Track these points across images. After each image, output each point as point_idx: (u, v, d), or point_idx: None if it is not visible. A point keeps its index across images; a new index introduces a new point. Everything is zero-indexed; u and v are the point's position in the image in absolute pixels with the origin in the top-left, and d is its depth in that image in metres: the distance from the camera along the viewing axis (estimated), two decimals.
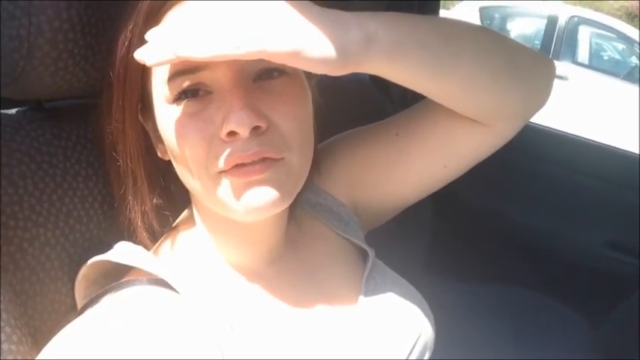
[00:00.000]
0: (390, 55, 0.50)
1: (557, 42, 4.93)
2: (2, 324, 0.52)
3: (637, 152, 1.54)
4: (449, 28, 0.56)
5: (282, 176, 0.53)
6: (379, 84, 1.49)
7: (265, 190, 0.51)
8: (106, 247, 0.60)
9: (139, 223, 0.60)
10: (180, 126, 0.51)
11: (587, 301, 1.38)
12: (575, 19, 5.03)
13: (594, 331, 1.36)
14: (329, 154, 0.72)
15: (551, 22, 5.02)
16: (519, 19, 5.27)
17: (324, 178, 0.71)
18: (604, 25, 5.19)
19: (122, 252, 0.59)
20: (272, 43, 0.43)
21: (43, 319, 0.59)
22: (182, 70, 0.50)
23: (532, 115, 0.68)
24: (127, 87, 0.54)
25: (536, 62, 0.64)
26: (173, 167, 0.58)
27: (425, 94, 0.60)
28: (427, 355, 0.66)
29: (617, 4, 9.90)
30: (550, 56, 4.81)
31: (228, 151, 0.50)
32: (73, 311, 0.62)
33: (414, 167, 0.70)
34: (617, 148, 1.54)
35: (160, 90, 0.52)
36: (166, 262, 0.60)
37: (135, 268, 0.57)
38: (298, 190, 0.56)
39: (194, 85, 0.51)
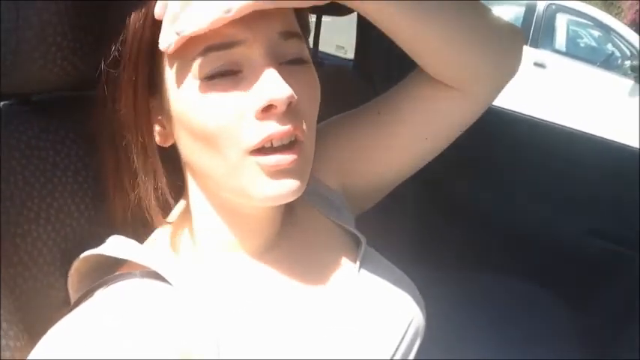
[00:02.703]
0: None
1: (535, 29, 4.97)
2: None
3: (618, 141, 1.57)
4: None
5: (304, 165, 0.55)
6: (362, 71, 1.50)
7: (290, 180, 0.54)
8: (98, 241, 0.60)
9: (152, 200, 0.59)
10: (210, 102, 0.52)
11: (570, 287, 1.41)
12: (553, 6, 5.07)
13: (576, 317, 1.38)
14: (317, 141, 0.73)
15: (530, 9, 5.05)
16: (497, 6, 5.29)
17: (315, 165, 0.72)
18: (581, 12, 5.24)
19: (115, 245, 0.59)
20: None
21: (37, 314, 0.59)
22: (217, 45, 0.51)
23: (505, 81, 0.70)
24: (140, 66, 0.54)
25: (507, 27, 0.68)
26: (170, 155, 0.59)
27: (406, 45, 0.62)
28: (418, 341, 0.67)
29: None
30: (528, 44, 4.86)
31: (261, 127, 0.51)
32: (66, 305, 0.61)
33: (399, 143, 0.73)
34: (600, 137, 1.56)
35: (186, 66, 0.52)
36: (160, 254, 0.60)
37: (128, 261, 0.57)
38: (309, 174, 0.58)
39: (225, 66, 0.51)
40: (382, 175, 0.76)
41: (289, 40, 0.54)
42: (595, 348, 1.26)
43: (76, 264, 0.60)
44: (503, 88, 0.71)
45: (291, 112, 0.52)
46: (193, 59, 0.51)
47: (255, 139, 0.51)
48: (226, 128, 0.52)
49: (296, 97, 0.51)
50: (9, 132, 0.60)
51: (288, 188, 0.54)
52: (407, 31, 0.60)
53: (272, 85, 0.50)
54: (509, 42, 0.68)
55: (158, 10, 0.51)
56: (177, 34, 0.48)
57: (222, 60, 0.51)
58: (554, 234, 1.49)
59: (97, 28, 0.59)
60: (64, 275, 0.61)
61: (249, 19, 0.49)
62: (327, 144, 0.73)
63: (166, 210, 0.64)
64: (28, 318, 0.57)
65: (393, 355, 0.62)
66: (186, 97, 0.53)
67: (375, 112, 0.73)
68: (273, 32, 0.52)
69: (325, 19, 1.42)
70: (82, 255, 0.59)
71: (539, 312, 1.37)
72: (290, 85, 0.51)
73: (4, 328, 0.52)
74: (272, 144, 0.52)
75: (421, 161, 0.76)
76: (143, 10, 0.52)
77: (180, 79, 0.53)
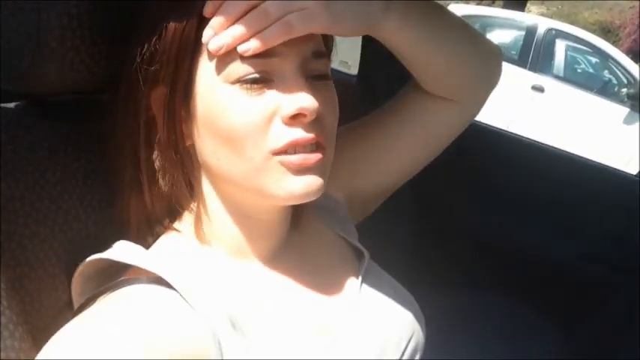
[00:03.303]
0: (400, 23, 0.61)
1: (534, 53, 5.02)
2: (5, 321, 0.51)
3: (615, 167, 1.58)
4: (440, 7, 0.70)
5: (326, 167, 0.58)
6: (366, 87, 1.51)
7: (314, 177, 0.56)
8: (104, 245, 0.60)
9: (184, 187, 0.61)
10: (240, 104, 0.54)
11: (562, 310, 1.41)
12: (553, 32, 5.13)
13: (568, 340, 1.38)
14: None
15: (530, 33, 5.11)
16: (498, 29, 5.35)
17: None
18: (579, 38, 5.29)
19: (121, 250, 0.59)
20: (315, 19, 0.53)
21: (40, 315, 0.59)
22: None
23: (490, 90, 0.79)
24: (180, 64, 0.55)
25: (490, 45, 0.77)
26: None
27: (414, 68, 0.71)
28: (418, 356, 0.68)
29: (591, 19, 10.13)
30: (527, 67, 4.91)
31: (287, 132, 0.54)
32: (68, 308, 0.61)
33: (401, 151, 0.78)
34: (594, 162, 1.58)
35: (221, 68, 0.54)
36: (166, 260, 0.60)
37: (133, 266, 0.57)
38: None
39: (259, 73, 0.54)
40: (383, 182, 0.81)
41: (318, 60, 0.58)
42: None
43: (81, 267, 0.60)
44: (489, 95, 0.79)
45: (316, 122, 0.55)
46: (229, 62, 0.54)
47: (281, 142, 0.54)
48: (253, 130, 0.54)
49: (321, 110, 0.55)
50: (22, 132, 0.61)
51: (312, 185, 0.56)
52: (420, 57, 0.68)
53: (303, 95, 0.54)
54: (494, 58, 0.77)
55: (210, 9, 0.53)
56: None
57: (257, 67, 0.54)
58: (550, 257, 1.49)
59: (120, 32, 0.59)
60: (68, 278, 0.61)
61: None
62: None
63: (173, 216, 0.65)
64: (31, 320, 0.57)
65: None
66: (216, 97, 0.55)
67: (378, 124, 0.78)
68: (307, 50, 0.56)
69: None
70: (89, 259, 0.59)
71: (534, 334, 1.38)
72: (316, 98, 0.54)
73: (10, 329, 0.51)
74: (295, 150, 0.55)
75: (419, 166, 0.82)
76: (187, 8, 0.54)
77: (212, 79, 0.55)
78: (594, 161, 1.58)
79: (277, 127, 0.54)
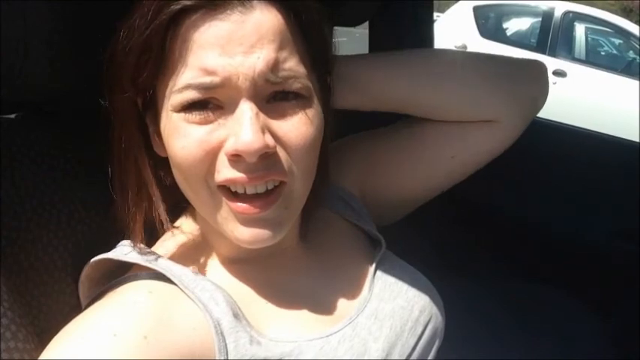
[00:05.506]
0: (353, 88, 0.66)
1: (552, 38, 4.93)
2: (7, 322, 0.52)
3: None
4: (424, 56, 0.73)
5: (281, 211, 0.54)
6: None
7: (261, 230, 0.53)
8: (108, 247, 0.61)
9: (154, 217, 0.59)
10: (184, 136, 0.51)
11: (598, 293, 1.37)
12: (570, 14, 5.03)
13: (605, 323, 1.34)
14: (342, 150, 0.75)
15: (547, 18, 5.02)
16: (515, 17, 5.27)
17: (337, 172, 0.73)
18: (599, 19, 5.18)
19: (123, 250, 0.59)
20: None
21: (47, 318, 0.59)
22: (198, 84, 0.49)
23: (529, 114, 0.74)
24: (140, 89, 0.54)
25: (517, 64, 0.75)
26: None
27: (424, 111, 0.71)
28: (437, 342, 0.67)
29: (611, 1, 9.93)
30: (547, 53, 4.83)
31: (228, 169, 0.51)
32: (77, 311, 0.61)
33: (423, 167, 0.75)
34: (622, 139, 1.54)
35: (170, 96, 0.52)
36: (168, 257, 0.60)
37: (136, 264, 0.58)
38: (297, 215, 0.58)
39: (206, 99, 0.51)
40: (404, 190, 0.77)
41: (282, 73, 0.51)
42: (623, 352, 1.23)
43: (86, 270, 0.60)
44: (526, 115, 0.75)
45: (267, 159, 0.51)
46: (176, 92, 0.51)
47: (220, 177, 0.51)
48: (195, 164, 0.51)
49: (270, 148, 0.50)
50: (21, 140, 0.62)
51: (257, 237, 0.53)
52: (402, 103, 0.71)
53: (244, 134, 0.48)
54: (522, 77, 0.73)
55: None
56: None
57: (200, 95, 0.50)
58: (577, 237, 1.46)
59: (108, 34, 0.59)
60: (75, 281, 0.62)
61: (233, 55, 0.49)
62: (352, 155, 0.75)
63: (175, 215, 0.64)
64: (39, 323, 0.58)
65: (410, 354, 0.61)
66: (167, 122, 0.53)
67: (404, 137, 0.76)
68: (262, 70, 0.50)
69: (341, 38, 1.43)
70: (92, 260, 0.59)
71: (563, 318, 1.34)
72: (273, 125, 0.51)
73: (13, 330, 0.52)
74: (245, 191, 0.52)
75: (449, 182, 0.77)
76: (140, 26, 0.52)
77: (165, 105, 0.53)
78: (621, 138, 1.54)
79: (222, 161, 0.51)
